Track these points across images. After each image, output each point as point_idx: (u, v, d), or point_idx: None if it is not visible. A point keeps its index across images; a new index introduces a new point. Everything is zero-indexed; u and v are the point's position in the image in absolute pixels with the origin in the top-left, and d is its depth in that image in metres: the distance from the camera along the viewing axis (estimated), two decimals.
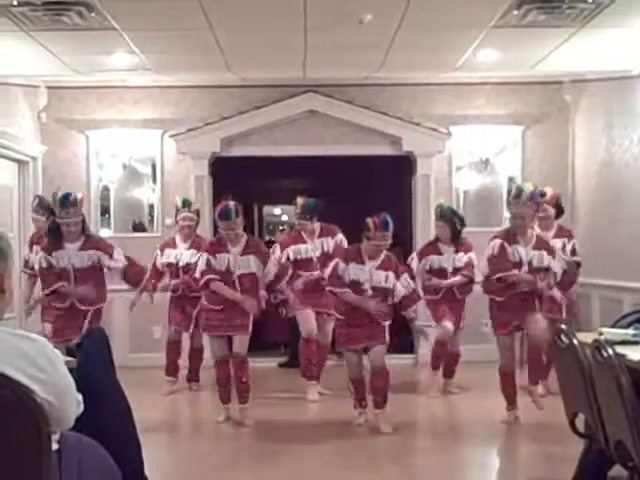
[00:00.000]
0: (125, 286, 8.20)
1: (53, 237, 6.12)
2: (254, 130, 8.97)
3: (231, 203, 6.02)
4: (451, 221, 7.20)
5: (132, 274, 6.36)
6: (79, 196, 6.15)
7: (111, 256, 6.16)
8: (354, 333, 5.92)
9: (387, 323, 5.95)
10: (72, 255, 6.06)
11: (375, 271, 5.91)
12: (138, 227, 9.09)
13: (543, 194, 6.55)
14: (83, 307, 6.07)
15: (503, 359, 6.08)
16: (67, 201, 5.99)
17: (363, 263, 5.93)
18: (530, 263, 5.97)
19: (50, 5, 5.91)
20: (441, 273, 7.16)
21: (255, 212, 12.81)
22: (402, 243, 8.69)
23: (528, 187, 6.16)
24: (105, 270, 6.25)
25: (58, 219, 6.04)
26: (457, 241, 7.22)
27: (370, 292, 5.88)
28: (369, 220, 5.85)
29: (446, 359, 7.24)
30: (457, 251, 7.19)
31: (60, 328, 5.96)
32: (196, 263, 6.51)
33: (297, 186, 8.12)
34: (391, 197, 9.40)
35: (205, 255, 6.18)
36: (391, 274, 5.93)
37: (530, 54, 7.58)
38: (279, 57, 7.60)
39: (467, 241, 7.28)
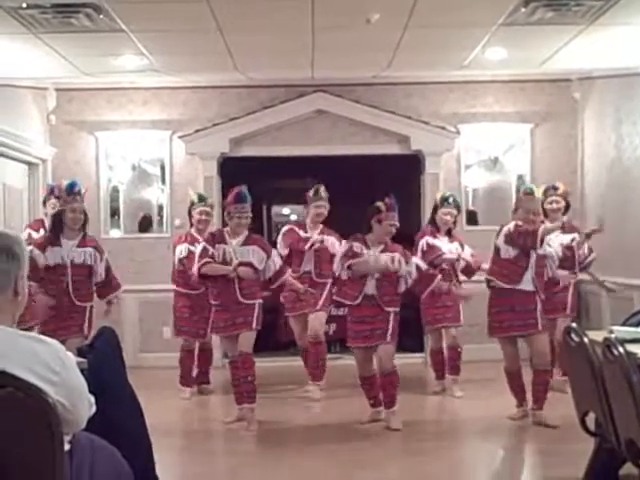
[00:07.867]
0: (135, 286, 8.28)
1: (54, 228, 6.24)
2: (262, 130, 8.97)
3: (244, 187, 6.11)
4: (458, 210, 7.36)
5: (106, 288, 6.42)
6: (83, 189, 6.44)
7: (101, 258, 6.34)
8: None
9: (393, 310, 5.90)
10: (70, 251, 6.18)
11: (380, 255, 5.92)
12: (144, 222, 9.06)
13: (556, 187, 7.06)
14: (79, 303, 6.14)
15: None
16: (73, 189, 6.30)
17: (368, 249, 5.99)
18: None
19: (59, 7, 5.93)
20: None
21: (264, 212, 12.82)
22: (410, 242, 8.66)
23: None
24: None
25: (66, 204, 6.21)
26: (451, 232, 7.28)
27: (377, 275, 5.87)
28: (379, 203, 5.98)
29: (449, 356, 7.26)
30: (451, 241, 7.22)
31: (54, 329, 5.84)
32: None
33: (305, 186, 8.12)
34: (400, 196, 9.30)
35: (202, 244, 6.22)
36: (398, 255, 5.92)
37: (538, 52, 7.56)
38: (287, 57, 7.60)
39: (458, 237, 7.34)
